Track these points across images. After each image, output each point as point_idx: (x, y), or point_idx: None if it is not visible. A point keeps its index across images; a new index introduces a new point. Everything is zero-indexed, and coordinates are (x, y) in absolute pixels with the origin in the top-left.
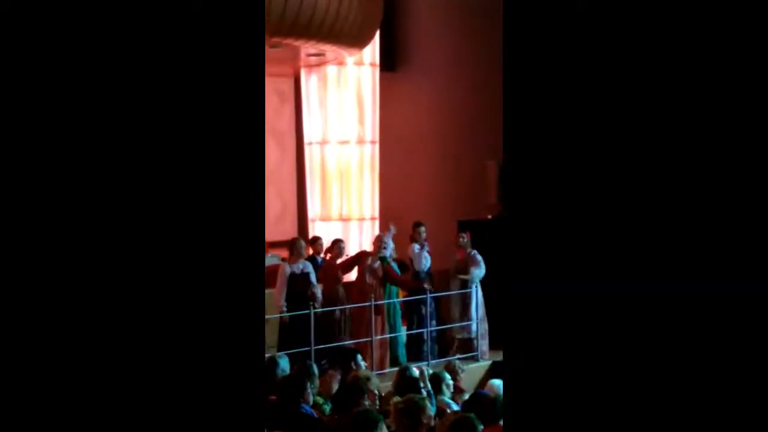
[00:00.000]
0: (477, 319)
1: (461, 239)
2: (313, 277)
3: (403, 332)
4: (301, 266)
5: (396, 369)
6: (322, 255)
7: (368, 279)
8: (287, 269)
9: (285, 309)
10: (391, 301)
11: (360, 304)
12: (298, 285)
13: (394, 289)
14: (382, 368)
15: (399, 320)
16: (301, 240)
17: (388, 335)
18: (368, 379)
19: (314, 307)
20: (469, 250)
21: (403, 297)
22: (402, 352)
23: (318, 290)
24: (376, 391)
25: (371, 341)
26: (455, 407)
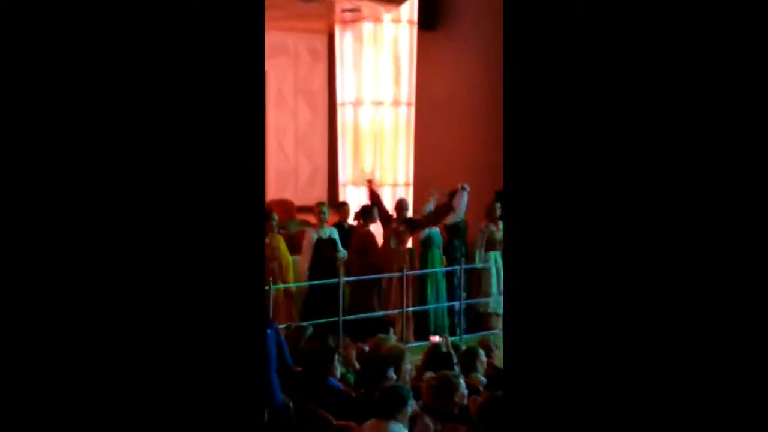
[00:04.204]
0: None
1: (495, 211)
2: (339, 245)
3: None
4: (328, 232)
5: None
6: (352, 221)
7: (392, 244)
8: (313, 235)
9: (306, 278)
10: (421, 272)
11: (391, 274)
12: (325, 251)
13: (437, 256)
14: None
15: (442, 290)
16: (324, 205)
17: (428, 305)
18: (402, 354)
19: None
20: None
21: (446, 266)
22: (439, 322)
23: (341, 256)
24: (409, 366)
25: (401, 312)
26: None
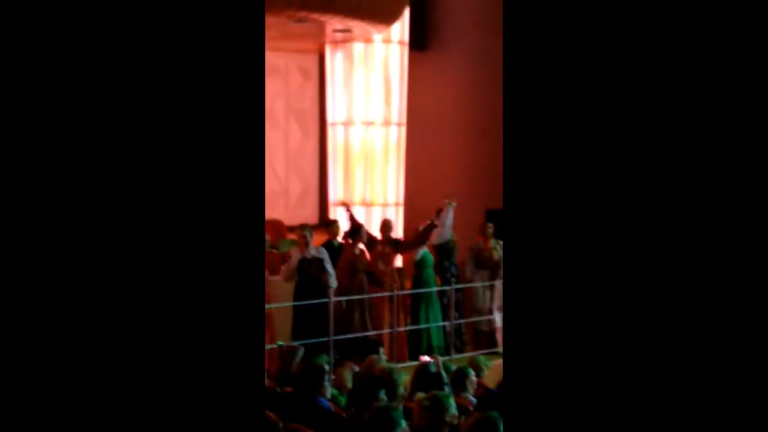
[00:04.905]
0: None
1: (488, 229)
2: (328, 265)
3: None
4: (313, 252)
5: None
6: (340, 239)
7: (380, 266)
8: (296, 257)
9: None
10: (413, 291)
11: (378, 294)
12: (312, 271)
13: (430, 276)
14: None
15: (436, 309)
16: (306, 228)
17: (420, 326)
18: (395, 375)
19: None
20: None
21: (439, 285)
22: (434, 342)
23: (331, 277)
24: (402, 390)
25: (391, 332)
26: None
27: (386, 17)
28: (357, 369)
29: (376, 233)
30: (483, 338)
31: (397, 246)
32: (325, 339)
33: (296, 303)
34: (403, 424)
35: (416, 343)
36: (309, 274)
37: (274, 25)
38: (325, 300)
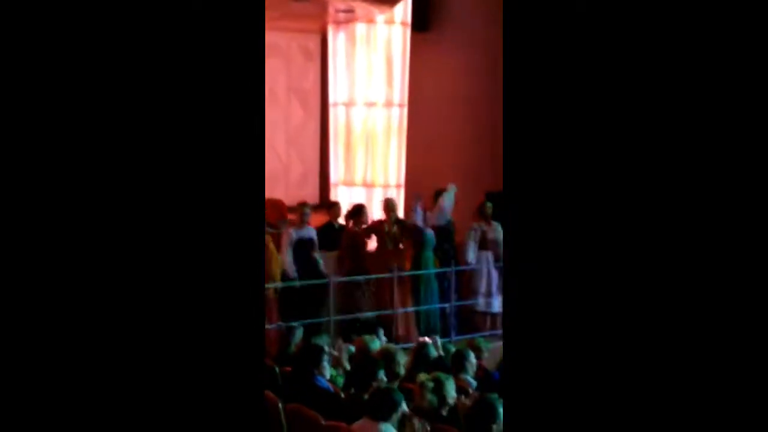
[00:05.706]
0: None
1: (488, 209)
2: (316, 245)
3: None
4: (306, 232)
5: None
6: (341, 221)
7: (389, 245)
8: (293, 235)
9: (296, 275)
10: (416, 272)
11: (382, 275)
12: (305, 251)
13: (429, 258)
14: (407, 341)
15: (434, 291)
16: (306, 206)
17: (416, 308)
18: (394, 354)
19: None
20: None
21: (439, 267)
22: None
23: (318, 257)
24: (402, 370)
25: (394, 313)
26: None
27: None
28: (353, 349)
29: (376, 215)
30: (482, 319)
31: (404, 229)
32: (326, 319)
33: (302, 282)
34: (404, 405)
35: (415, 325)
36: (302, 255)
37: (276, 4)
38: (325, 280)
